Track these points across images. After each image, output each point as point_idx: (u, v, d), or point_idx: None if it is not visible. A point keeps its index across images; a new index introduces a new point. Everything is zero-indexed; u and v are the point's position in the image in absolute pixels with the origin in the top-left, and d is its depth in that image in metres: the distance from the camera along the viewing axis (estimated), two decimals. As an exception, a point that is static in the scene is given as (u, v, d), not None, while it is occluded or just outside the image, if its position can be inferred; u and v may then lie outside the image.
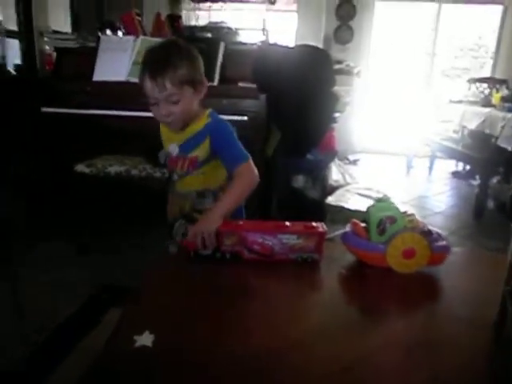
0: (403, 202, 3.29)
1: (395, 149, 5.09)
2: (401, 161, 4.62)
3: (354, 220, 1.02)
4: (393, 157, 4.98)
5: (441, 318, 0.82)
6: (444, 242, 0.98)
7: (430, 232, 0.98)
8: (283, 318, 0.78)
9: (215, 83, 2.25)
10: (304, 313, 0.81)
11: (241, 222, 1.00)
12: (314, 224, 1.00)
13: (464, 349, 0.72)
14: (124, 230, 2.34)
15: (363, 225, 1.00)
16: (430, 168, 4.42)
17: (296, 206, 2.25)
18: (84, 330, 1.54)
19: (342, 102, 2.37)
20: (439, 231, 0.99)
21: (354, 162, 4.62)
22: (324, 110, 2.16)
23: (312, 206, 2.27)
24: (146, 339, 0.71)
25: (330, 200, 2.67)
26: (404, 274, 0.95)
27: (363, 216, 1.00)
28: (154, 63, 1.09)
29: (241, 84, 2.23)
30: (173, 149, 1.21)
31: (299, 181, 2.26)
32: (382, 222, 0.96)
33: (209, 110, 1.19)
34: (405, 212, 0.98)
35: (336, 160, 2.98)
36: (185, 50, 1.13)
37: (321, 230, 0.99)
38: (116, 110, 2.20)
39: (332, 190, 2.73)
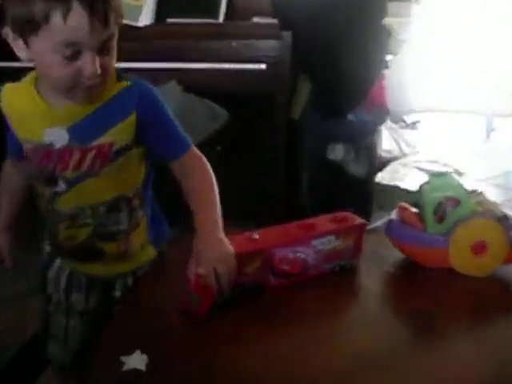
0: (481, 180, 3.23)
1: (469, 105, 5.02)
2: (478, 122, 4.57)
3: (402, 204, 1.02)
4: (466, 117, 4.93)
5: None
6: None
7: (505, 217, 0.97)
8: (321, 342, 0.81)
9: (220, 19, 2.26)
10: (346, 335, 0.84)
11: (256, 236, 0.95)
12: (343, 214, 1.01)
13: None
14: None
15: (414, 210, 1.00)
16: (519, 131, 4.38)
17: (333, 185, 2.25)
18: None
19: (396, 40, 2.35)
20: None
21: (413, 126, 4.58)
22: (371, 51, 2.14)
23: (355, 185, 2.27)
24: (137, 361, 0.73)
25: (380, 177, 2.65)
26: (472, 277, 0.95)
27: (414, 198, 1.00)
28: None
29: (256, 19, 2.23)
30: (57, 136, 0.97)
31: (337, 151, 2.24)
32: (440, 205, 0.95)
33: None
34: (473, 191, 0.99)
35: (388, 122, 2.96)
36: None
37: (359, 221, 1.00)
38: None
39: (382, 163, 2.73)
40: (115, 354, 0.75)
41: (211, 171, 1.01)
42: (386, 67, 2.32)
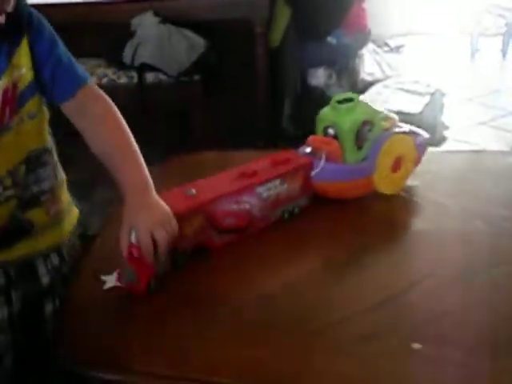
0: (465, 99, 3.24)
1: (453, 26, 4.95)
2: (462, 42, 4.50)
3: (315, 136, 0.95)
4: (452, 38, 4.85)
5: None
6: (422, 134, 1.00)
7: (411, 130, 0.99)
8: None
9: None
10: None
11: (193, 190, 0.81)
12: (286, 154, 0.94)
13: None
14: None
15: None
16: (504, 50, 4.30)
17: (315, 110, 2.24)
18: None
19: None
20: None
21: (397, 50, 4.50)
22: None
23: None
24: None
25: (362, 99, 2.62)
26: (389, 196, 0.95)
27: (322, 126, 0.94)
28: None
29: None
30: None
31: (319, 75, 2.26)
32: (360, 130, 0.92)
33: None
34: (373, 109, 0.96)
35: (371, 46, 2.93)
36: None
37: (304, 160, 0.93)
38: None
39: (364, 86, 2.71)
40: (96, 275, 0.77)
41: (120, 115, 0.81)
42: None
